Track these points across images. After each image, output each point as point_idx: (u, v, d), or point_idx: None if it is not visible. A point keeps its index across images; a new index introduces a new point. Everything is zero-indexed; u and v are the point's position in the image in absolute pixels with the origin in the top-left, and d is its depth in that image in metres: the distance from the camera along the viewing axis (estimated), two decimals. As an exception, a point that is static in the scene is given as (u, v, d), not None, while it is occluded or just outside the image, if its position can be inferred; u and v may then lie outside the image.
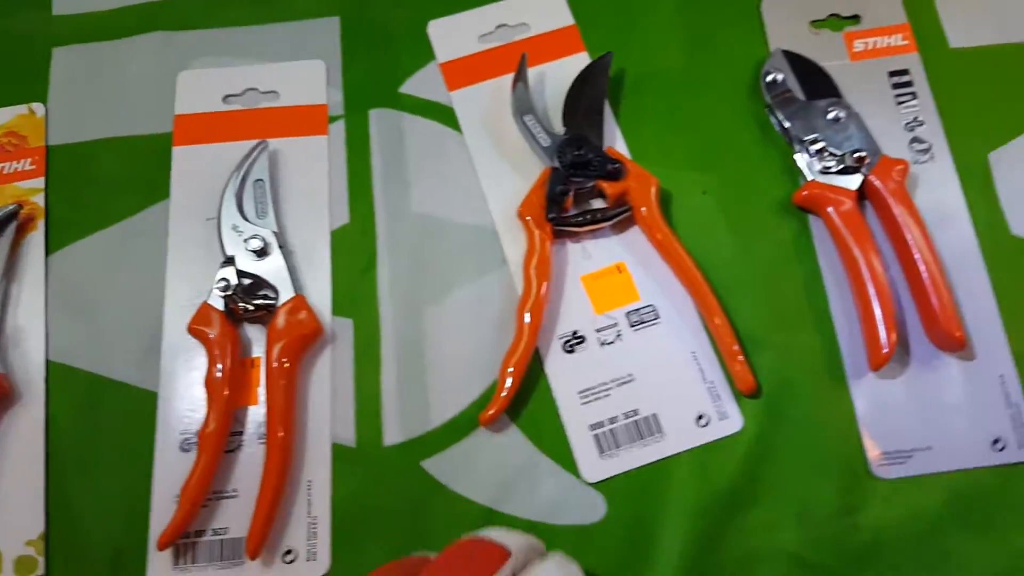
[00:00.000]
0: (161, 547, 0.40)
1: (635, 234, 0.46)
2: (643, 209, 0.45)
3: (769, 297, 0.45)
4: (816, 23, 0.51)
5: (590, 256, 0.46)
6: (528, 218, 0.45)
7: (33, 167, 0.47)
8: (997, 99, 0.50)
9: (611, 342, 0.45)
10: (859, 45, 0.51)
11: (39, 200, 0.46)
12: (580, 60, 0.50)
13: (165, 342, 0.44)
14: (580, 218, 0.46)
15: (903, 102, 0.50)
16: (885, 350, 0.43)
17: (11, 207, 0.45)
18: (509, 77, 0.49)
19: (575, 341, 0.45)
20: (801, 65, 0.49)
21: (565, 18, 0.51)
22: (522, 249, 0.45)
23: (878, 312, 0.43)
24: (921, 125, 0.49)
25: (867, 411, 0.44)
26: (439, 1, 0.52)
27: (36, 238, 0.46)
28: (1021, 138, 0.49)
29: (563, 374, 0.44)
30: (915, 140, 0.49)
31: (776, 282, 0.46)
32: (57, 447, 0.42)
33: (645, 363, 0.44)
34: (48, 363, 0.44)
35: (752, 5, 0.52)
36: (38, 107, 0.49)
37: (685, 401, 0.44)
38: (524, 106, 0.47)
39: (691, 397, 0.44)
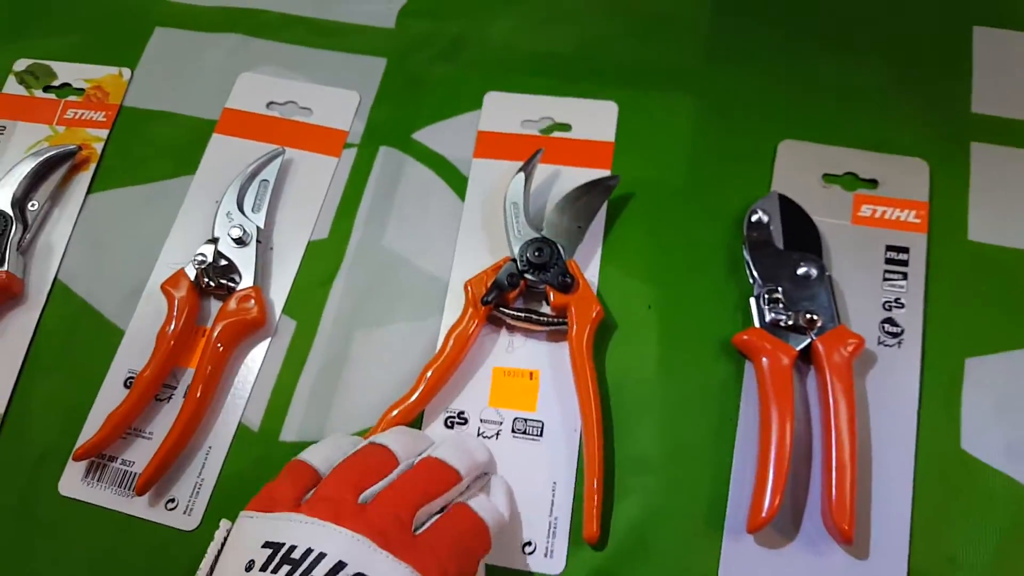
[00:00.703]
0: (76, 458, 0.46)
1: (564, 349, 0.47)
2: (575, 328, 0.46)
3: (677, 428, 0.46)
4: (829, 177, 0.51)
5: (513, 351, 0.48)
6: (469, 290, 0.48)
7: (104, 119, 0.56)
8: (997, 305, 0.47)
9: (488, 437, 0.46)
10: (866, 210, 0.50)
11: (98, 147, 0.55)
12: (599, 175, 0.52)
13: (145, 292, 0.51)
14: (516, 313, 0.47)
15: (891, 279, 0.48)
16: (764, 514, 0.42)
17: (73, 147, 0.54)
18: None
19: (458, 420, 0.47)
20: (792, 213, 0.49)
21: (608, 134, 0.53)
22: (456, 315, 0.48)
23: (771, 477, 0.43)
24: (901, 308, 0.47)
25: (731, 571, 0.43)
26: (474, 66, 0.56)
27: (84, 177, 0.54)
28: (1009, 353, 0.46)
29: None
30: (888, 321, 0.47)
31: (689, 414, 0.46)
32: (37, 350, 0.50)
33: (508, 472, 0.45)
34: (55, 280, 0.52)
35: (770, 146, 0.52)
36: (126, 71, 0.58)
37: (522, 522, 0.44)
38: (516, 194, 0.49)
39: (530, 522, 0.44)
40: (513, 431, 0.46)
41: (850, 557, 0.43)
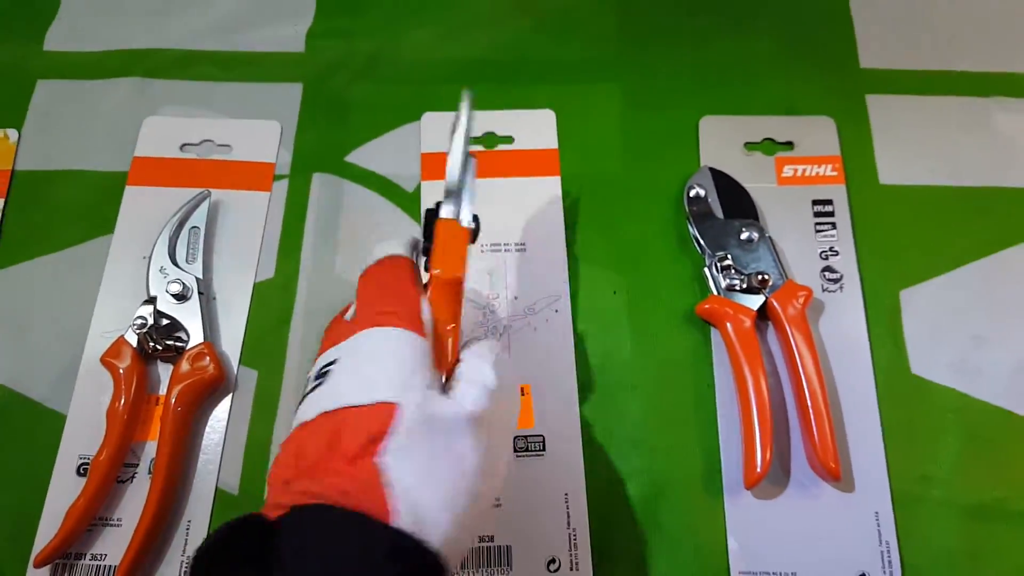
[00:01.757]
0: (37, 564, 0.42)
1: (544, 355, 0.48)
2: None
3: (660, 401, 0.47)
4: (750, 145, 0.54)
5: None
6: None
7: (-5, 188, 0.51)
8: (917, 238, 0.52)
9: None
10: (788, 171, 0.53)
11: (-6, 219, 0.51)
12: (552, 182, 0.53)
13: (82, 369, 0.47)
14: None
15: (822, 231, 0.52)
16: (759, 470, 0.44)
17: (-34, 223, 0.49)
18: (483, 182, 0.50)
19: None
20: (725, 184, 0.52)
21: (551, 141, 0.54)
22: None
23: (757, 434, 0.45)
24: (836, 255, 0.51)
25: (738, 528, 0.45)
26: (397, 81, 0.56)
27: (-16, 254, 0.50)
28: (935, 279, 0.51)
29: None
30: (828, 269, 0.51)
31: (669, 388, 0.48)
32: (-36, 453, 0.46)
33: (517, 494, 0.45)
34: (-28, 373, 0.47)
35: (691, 123, 0.54)
36: (12, 132, 0.53)
37: (542, 541, 0.44)
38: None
39: (550, 539, 0.44)
40: (516, 450, 0.46)
41: (840, 492, 0.46)
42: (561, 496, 0.45)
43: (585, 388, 0.47)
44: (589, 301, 0.50)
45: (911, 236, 0.52)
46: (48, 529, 0.43)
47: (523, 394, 0.47)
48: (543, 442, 0.46)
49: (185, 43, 0.56)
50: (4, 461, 0.45)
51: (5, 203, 0.51)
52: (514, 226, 0.51)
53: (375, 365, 0.32)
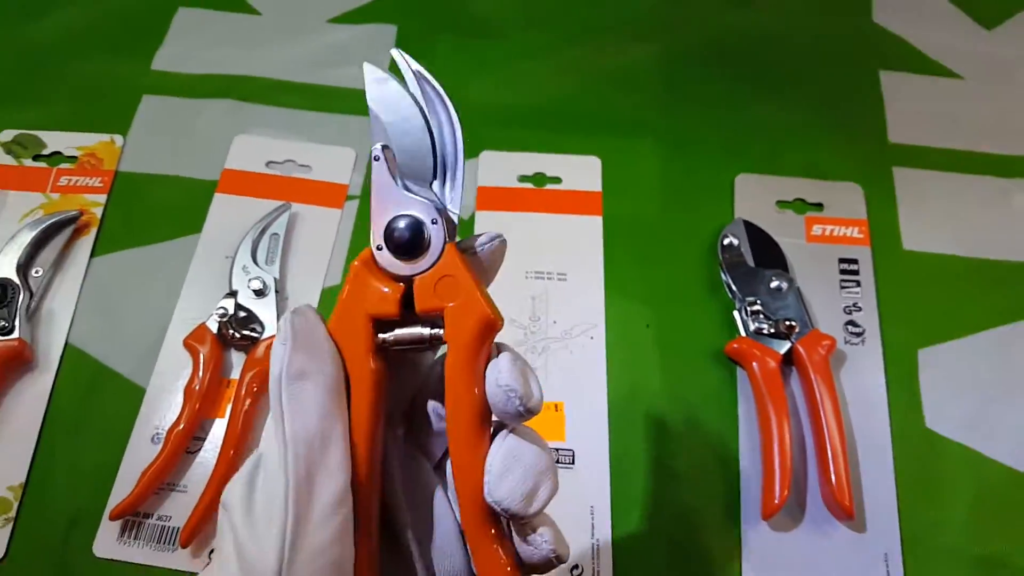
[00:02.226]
0: (113, 517, 0.47)
1: (578, 376, 0.52)
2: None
3: (686, 431, 0.51)
4: (782, 203, 0.59)
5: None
6: None
7: (101, 185, 0.58)
8: (937, 303, 0.56)
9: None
10: (817, 230, 0.58)
11: (97, 212, 0.57)
12: (592, 221, 0.58)
13: (164, 349, 0.52)
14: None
15: (847, 287, 0.56)
16: (776, 501, 0.48)
17: (73, 212, 0.55)
18: (531, 216, 0.57)
19: None
20: (757, 235, 0.57)
21: (595, 184, 0.59)
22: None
23: (777, 467, 0.49)
24: (859, 311, 0.55)
25: (753, 555, 0.48)
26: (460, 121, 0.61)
27: (86, 242, 0.56)
28: (953, 342, 0.54)
29: None
30: (851, 323, 0.55)
31: (695, 419, 0.52)
32: (54, 415, 0.50)
33: None
34: (67, 344, 0.52)
35: (727, 179, 0.60)
36: (118, 138, 0.60)
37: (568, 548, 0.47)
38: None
39: (574, 546, 0.46)
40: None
41: (851, 531, 0.49)
42: (587, 508, 0.49)
43: (615, 412, 0.51)
44: (623, 332, 0.54)
45: (931, 300, 0.56)
46: (123, 488, 0.48)
47: (556, 410, 0.51)
48: (573, 456, 0.50)
49: (277, 74, 0.63)
50: (90, 425, 0.50)
51: (108, 199, 0.57)
52: (557, 257, 0.56)
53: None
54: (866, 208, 0.59)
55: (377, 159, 0.30)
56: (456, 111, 0.31)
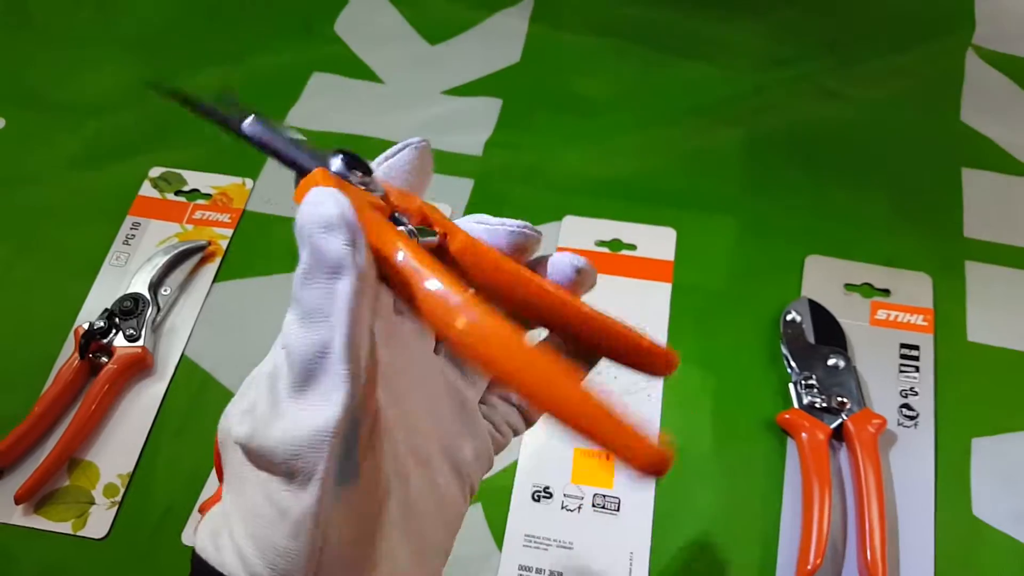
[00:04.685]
0: (202, 511, 0.55)
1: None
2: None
3: (730, 493, 0.55)
4: (849, 287, 0.63)
5: None
6: None
7: (229, 221, 0.68)
8: (995, 395, 0.58)
9: (571, 511, 0.55)
10: (881, 314, 0.62)
11: (223, 243, 0.67)
12: (661, 287, 0.64)
13: (264, 368, 0.61)
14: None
15: (905, 372, 0.59)
16: (809, 567, 0.51)
17: (203, 242, 0.65)
18: (605, 278, 0.60)
19: (544, 495, 0.56)
20: (820, 314, 0.61)
21: (669, 254, 0.65)
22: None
23: (814, 535, 0.52)
24: (915, 395, 0.58)
25: (782, 617, 0.52)
26: (548, 188, 0.69)
27: (210, 268, 0.65)
28: (1008, 435, 0.57)
29: (521, 514, 0.55)
30: (905, 406, 0.58)
31: (741, 483, 0.56)
32: (164, 416, 0.59)
33: (588, 542, 0.54)
34: (182, 356, 0.62)
35: (798, 259, 0.64)
36: (248, 181, 0.70)
37: None
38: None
39: None
40: (593, 506, 0.55)
41: (883, 607, 0.52)
42: (627, 554, 0.53)
43: (666, 467, 0.56)
44: (680, 393, 0.59)
45: (990, 392, 0.58)
46: (213, 486, 0.56)
47: (608, 458, 0.56)
48: (619, 503, 0.55)
49: (391, 136, 0.73)
50: (193, 428, 0.59)
51: (233, 233, 0.67)
52: (626, 318, 0.62)
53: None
54: (933, 298, 0.62)
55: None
56: None
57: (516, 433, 0.37)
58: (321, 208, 0.26)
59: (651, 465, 0.25)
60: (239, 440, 0.29)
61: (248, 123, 0.33)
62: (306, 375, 0.26)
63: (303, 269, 0.27)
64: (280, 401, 0.27)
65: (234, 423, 0.30)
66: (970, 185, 0.68)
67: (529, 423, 0.37)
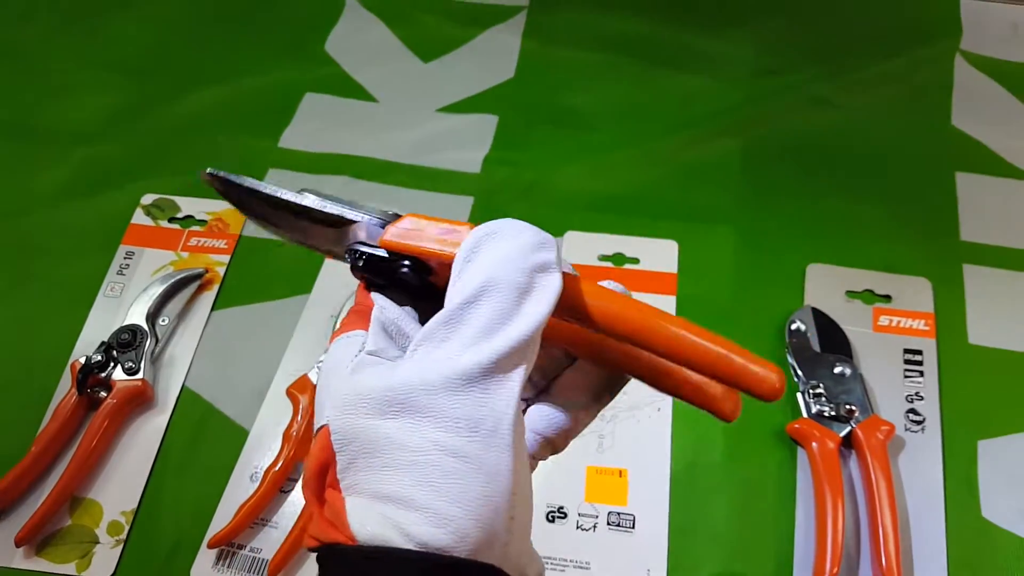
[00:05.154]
0: (211, 546, 0.54)
1: (643, 445, 0.57)
2: None
3: (744, 504, 0.56)
4: (851, 294, 0.64)
5: (603, 452, 0.58)
6: None
7: (225, 247, 0.67)
8: (999, 397, 0.59)
9: (586, 530, 0.55)
10: (884, 320, 0.62)
11: (220, 270, 0.66)
12: (666, 300, 0.64)
13: (269, 396, 0.60)
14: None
15: (910, 377, 0.60)
16: (826, 575, 0.52)
17: (199, 270, 0.65)
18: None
19: (558, 515, 0.56)
20: (824, 323, 0.61)
21: (671, 266, 0.65)
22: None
23: (829, 544, 0.53)
24: (921, 400, 0.59)
25: (801, 629, 0.52)
26: (548, 204, 0.69)
27: (208, 296, 0.65)
28: (1014, 435, 0.57)
29: (536, 536, 0.54)
30: (912, 411, 0.59)
31: (753, 494, 0.56)
32: (167, 449, 0.59)
33: (605, 561, 0.54)
34: (183, 387, 0.61)
35: (799, 268, 0.65)
36: (244, 207, 0.69)
37: None
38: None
39: None
40: (608, 524, 0.55)
41: (899, 612, 0.52)
42: (644, 570, 0.53)
43: (677, 481, 0.56)
44: (688, 406, 0.59)
45: (994, 394, 0.59)
46: (221, 520, 0.55)
47: (620, 476, 0.56)
48: (633, 520, 0.55)
49: (387, 155, 0.73)
50: (197, 460, 0.58)
51: (230, 259, 0.67)
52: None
53: (318, 387, 0.31)
54: (934, 302, 0.63)
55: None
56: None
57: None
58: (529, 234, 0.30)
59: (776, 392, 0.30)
60: (408, 381, 0.28)
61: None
62: (522, 291, 0.29)
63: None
64: (480, 325, 0.28)
65: (392, 373, 0.29)
66: (964, 189, 0.69)
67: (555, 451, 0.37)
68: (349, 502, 0.28)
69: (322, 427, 0.29)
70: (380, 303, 0.32)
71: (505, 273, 0.29)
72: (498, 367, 0.28)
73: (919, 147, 0.72)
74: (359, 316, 0.33)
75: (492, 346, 0.28)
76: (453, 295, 0.29)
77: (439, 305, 0.30)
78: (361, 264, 0.33)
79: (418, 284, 0.33)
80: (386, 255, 0.32)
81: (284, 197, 0.35)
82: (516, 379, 0.28)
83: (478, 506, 0.27)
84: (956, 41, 0.78)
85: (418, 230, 0.32)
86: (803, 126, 0.73)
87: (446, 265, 0.31)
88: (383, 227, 0.33)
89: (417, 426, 0.27)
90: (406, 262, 0.32)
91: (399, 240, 0.32)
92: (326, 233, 0.35)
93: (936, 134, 0.73)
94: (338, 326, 0.34)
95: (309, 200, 0.35)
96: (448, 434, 0.27)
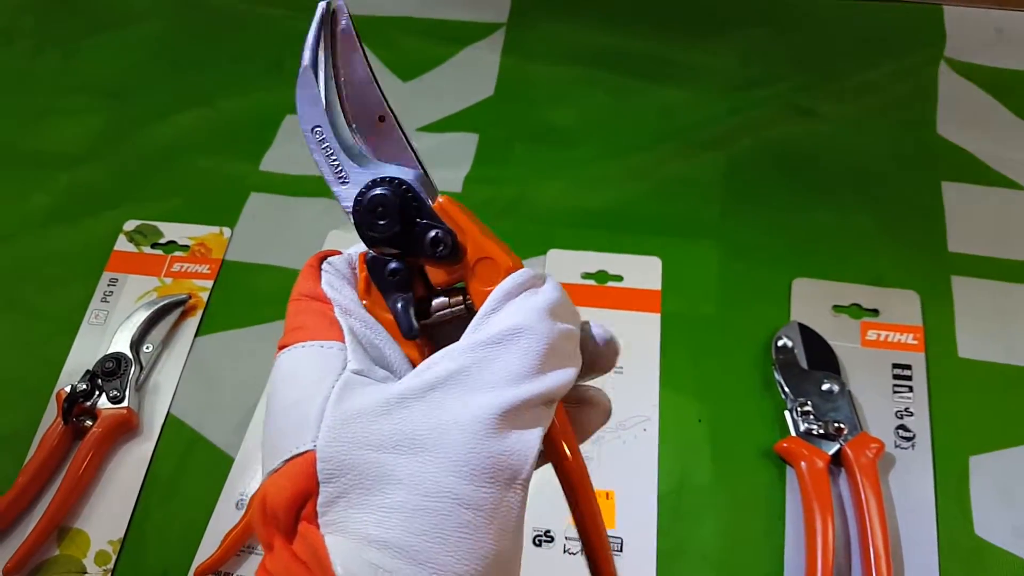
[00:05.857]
0: (198, 574, 0.54)
1: (629, 467, 0.57)
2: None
3: (733, 525, 0.55)
4: (838, 308, 0.63)
5: (589, 473, 0.58)
6: None
7: (208, 272, 0.67)
8: (990, 411, 0.59)
9: (573, 554, 0.55)
10: (872, 335, 0.62)
11: (204, 296, 0.66)
12: (650, 318, 0.64)
13: (253, 422, 0.60)
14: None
15: (899, 392, 0.60)
16: (816, 597, 0.51)
17: (183, 296, 0.64)
18: (593, 311, 0.63)
19: (545, 539, 0.55)
20: (811, 338, 0.61)
21: (655, 283, 0.65)
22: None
23: (820, 564, 0.52)
24: (911, 416, 0.59)
25: (792, 650, 0.52)
26: (531, 221, 0.69)
27: (192, 322, 0.65)
28: (1005, 450, 0.57)
29: (523, 561, 0.54)
30: (902, 427, 0.58)
31: (742, 514, 0.56)
32: (153, 477, 0.58)
33: None
34: (168, 414, 0.61)
35: (785, 283, 0.65)
36: (227, 230, 0.69)
37: None
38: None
39: None
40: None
41: (890, 632, 0.52)
42: (633, 595, 0.53)
43: (664, 502, 0.56)
44: (675, 425, 0.59)
45: (985, 408, 0.59)
46: (207, 548, 0.55)
47: (608, 498, 0.56)
48: (621, 543, 0.55)
49: (370, 174, 0.72)
50: (183, 488, 0.58)
51: (214, 284, 0.66)
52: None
53: (281, 404, 0.28)
54: (922, 315, 0.62)
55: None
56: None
57: None
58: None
59: None
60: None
61: None
62: (553, 351, 0.28)
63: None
64: (518, 378, 0.27)
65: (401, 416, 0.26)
66: (951, 199, 0.69)
67: None
68: (330, 541, 0.25)
69: (304, 453, 0.26)
70: (357, 314, 0.29)
71: (539, 322, 0.28)
72: (530, 415, 0.26)
73: (904, 157, 0.72)
74: (318, 319, 0.29)
75: (527, 389, 0.26)
76: (480, 330, 0.28)
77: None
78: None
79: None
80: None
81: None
82: (539, 431, 0.27)
83: (486, 565, 0.25)
84: (940, 48, 0.77)
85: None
86: (786, 136, 0.73)
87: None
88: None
89: (427, 467, 0.25)
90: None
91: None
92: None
93: (921, 143, 0.73)
94: (286, 328, 0.30)
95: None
96: (462, 480, 0.25)
